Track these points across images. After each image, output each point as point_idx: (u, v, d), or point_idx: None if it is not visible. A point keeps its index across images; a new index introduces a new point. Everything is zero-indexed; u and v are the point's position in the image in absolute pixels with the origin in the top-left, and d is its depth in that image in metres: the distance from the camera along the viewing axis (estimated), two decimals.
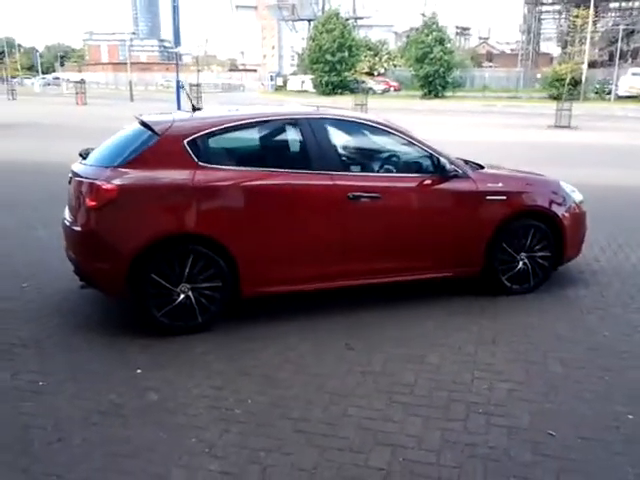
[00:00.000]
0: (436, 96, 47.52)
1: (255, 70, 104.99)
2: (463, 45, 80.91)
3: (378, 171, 4.96)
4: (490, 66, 64.94)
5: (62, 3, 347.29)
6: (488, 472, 2.90)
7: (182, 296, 4.34)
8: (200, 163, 4.34)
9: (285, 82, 62.77)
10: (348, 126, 5.05)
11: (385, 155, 5.13)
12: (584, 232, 5.58)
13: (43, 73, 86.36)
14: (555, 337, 4.43)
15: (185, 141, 4.36)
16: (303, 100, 45.24)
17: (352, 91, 35.22)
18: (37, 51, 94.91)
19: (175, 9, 26.44)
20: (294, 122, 4.74)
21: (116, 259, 4.22)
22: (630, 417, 3.36)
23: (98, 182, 4.21)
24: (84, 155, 4.75)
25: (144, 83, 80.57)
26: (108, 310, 4.80)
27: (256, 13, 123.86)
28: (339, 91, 48.29)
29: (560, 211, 5.25)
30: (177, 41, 27.54)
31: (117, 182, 4.20)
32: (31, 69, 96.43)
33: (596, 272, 5.91)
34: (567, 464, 2.95)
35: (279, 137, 4.87)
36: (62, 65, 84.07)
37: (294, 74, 65.72)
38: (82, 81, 45.36)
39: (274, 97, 53.44)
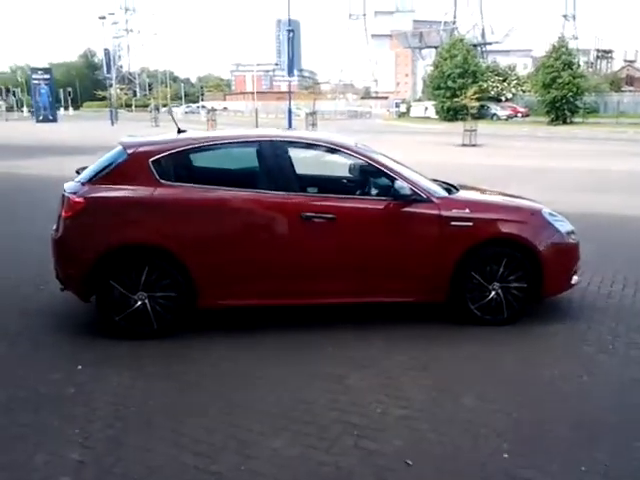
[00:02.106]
0: (564, 122, 45.17)
1: (386, 97, 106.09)
2: (604, 69, 76.28)
3: (336, 193, 5.02)
4: (630, 90, 60.53)
5: (215, 39, 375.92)
6: None
7: (139, 303, 4.70)
8: (162, 181, 4.72)
9: (408, 109, 62.95)
10: (310, 148, 5.18)
11: (344, 177, 5.20)
12: (572, 264, 5.22)
13: (192, 102, 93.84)
14: (493, 370, 4.23)
15: (150, 160, 4.76)
16: (421, 126, 45.16)
17: (474, 117, 34.59)
18: (182, 82, 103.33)
19: (290, 41, 27.78)
20: (255, 144, 4.99)
21: (80, 265, 4.69)
22: (505, 456, 3.18)
23: (70, 195, 4.73)
24: (79, 172, 5.31)
25: (279, 111, 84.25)
26: (88, 313, 5.26)
27: (390, 42, 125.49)
28: (460, 117, 47.46)
29: (538, 240, 4.98)
30: (291, 71, 28.92)
31: (85, 195, 4.69)
32: (184, 98, 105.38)
33: (597, 309, 5.48)
34: None
35: (239, 158, 5.14)
36: (202, 94, 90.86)
37: (419, 100, 65.73)
38: (214, 109, 48.66)
39: (395, 123, 53.81)
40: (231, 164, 5.19)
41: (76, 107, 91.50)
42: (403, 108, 63.27)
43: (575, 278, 5.37)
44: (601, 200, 11.52)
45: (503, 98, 57.02)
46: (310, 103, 74.30)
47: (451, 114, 50.27)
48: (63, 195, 4.88)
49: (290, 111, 28.45)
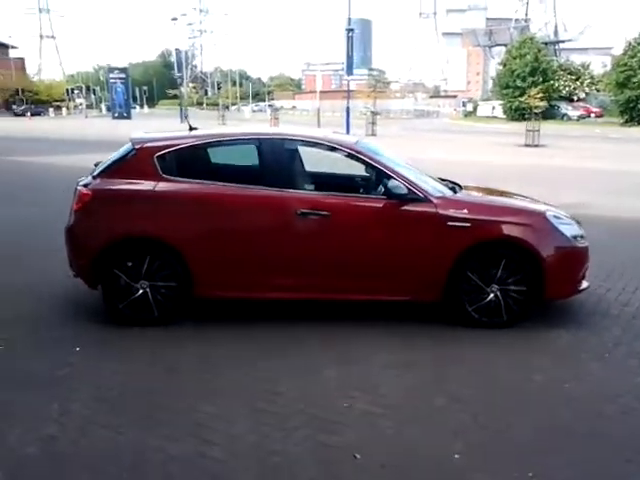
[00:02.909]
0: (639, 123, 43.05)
1: (455, 96, 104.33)
2: None
3: (332, 190, 5.05)
4: None
5: (288, 39, 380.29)
6: (249, 474, 3.00)
7: (141, 291, 4.91)
8: (164, 175, 4.91)
9: (475, 108, 61.69)
10: (309, 146, 5.25)
11: (341, 175, 5.23)
12: (578, 269, 5.05)
13: (262, 101, 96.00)
14: (477, 372, 4.17)
15: (155, 156, 4.96)
16: (486, 125, 44.12)
17: (543, 117, 33.50)
18: (251, 81, 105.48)
19: (349, 40, 27.84)
20: (254, 141, 5.11)
21: (87, 254, 4.94)
22: (456, 457, 3.15)
23: (80, 188, 5.00)
24: (97, 166, 5.59)
25: (342, 110, 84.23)
26: (99, 299, 5.49)
27: (461, 40, 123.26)
28: (528, 117, 46.19)
29: (539, 243, 4.84)
30: (350, 70, 28.94)
31: (93, 188, 4.95)
32: (255, 97, 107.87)
33: (608, 316, 5.27)
34: None
35: (238, 155, 5.28)
36: (268, 93, 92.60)
37: (487, 100, 64.28)
38: (281, 107, 49.54)
39: (460, 123, 52.90)
40: (231, 160, 5.34)
41: (151, 105, 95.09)
42: (470, 107, 62.09)
43: (584, 283, 5.22)
44: None
45: (575, 98, 54.95)
46: (378, 102, 73.67)
47: (519, 114, 48.88)
48: (75, 188, 5.16)
49: (348, 110, 28.49)
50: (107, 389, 3.90)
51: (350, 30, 27.89)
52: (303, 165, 5.51)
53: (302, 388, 3.92)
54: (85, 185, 5.04)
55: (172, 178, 4.93)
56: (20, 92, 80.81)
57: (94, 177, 5.07)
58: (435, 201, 4.86)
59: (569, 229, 5.05)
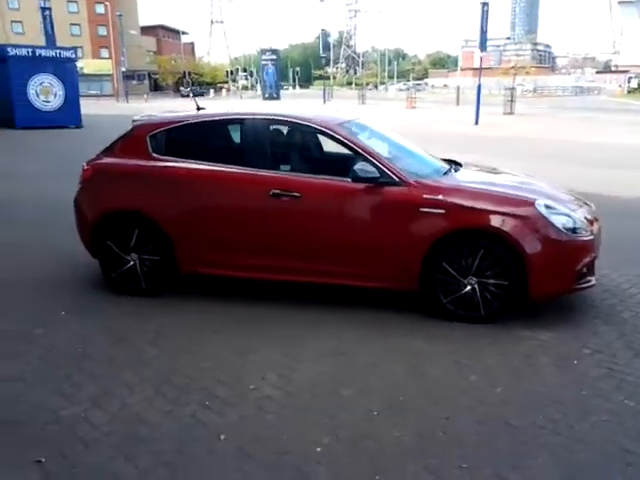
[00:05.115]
0: None
1: (627, 71, 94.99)
2: None
3: (307, 171, 4.94)
4: None
5: (447, 15, 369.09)
6: (111, 440, 3.12)
7: (131, 263, 5.23)
8: (153, 154, 5.15)
9: None
10: (290, 127, 5.18)
11: (319, 157, 5.08)
12: (573, 264, 4.48)
13: (418, 79, 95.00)
14: (409, 367, 3.91)
15: (148, 135, 5.22)
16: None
17: None
18: (398, 59, 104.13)
19: (484, 14, 26.35)
20: (238, 121, 5.14)
21: (86, 226, 5.35)
22: (317, 450, 3.03)
23: (84, 164, 5.42)
24: None
25: (499, 87, 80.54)
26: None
27: (639, 8, 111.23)
28: None
29: (523, 235, 4.38)
30: (483, 45, 27.37)
31: (92, 164, 5.34)
32: (405, 76, 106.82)
33: (615, 319, 4.66)
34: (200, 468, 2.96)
35: (223, 135, 5.34)
36: (412, 71, 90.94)
37: None
38: (424, 87, 48.59)
39: (619, 100, 48.08)
40: (216, 140, 5.42)
41: (305, 86, 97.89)
42: (634, 83, 56.14)
43: (592, 280, 4.66)
44: None
45: None
46: (538, 78, 69.46)
47: None
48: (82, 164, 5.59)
49: (479, 88, 27.10)
50: (58, 350, 4.22)
51: (485, 4, 26.39)
52: (285, 145, 5.45)
53: (225, 366, 3.95)
54: (89, 162, 5.44)
55: (160, 157, 5.14)
56: (187, 75, 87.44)
57: (98, 155, 5.45)
58: (411, 186, 4.59)
59: (563, 220, 4.50)
